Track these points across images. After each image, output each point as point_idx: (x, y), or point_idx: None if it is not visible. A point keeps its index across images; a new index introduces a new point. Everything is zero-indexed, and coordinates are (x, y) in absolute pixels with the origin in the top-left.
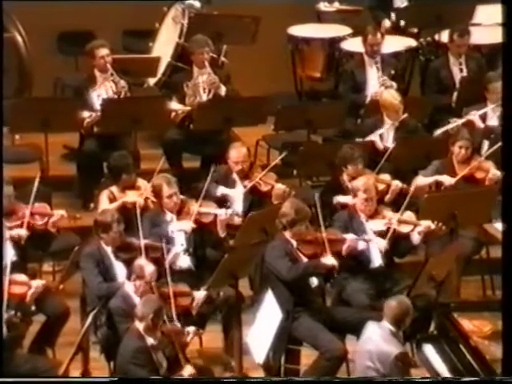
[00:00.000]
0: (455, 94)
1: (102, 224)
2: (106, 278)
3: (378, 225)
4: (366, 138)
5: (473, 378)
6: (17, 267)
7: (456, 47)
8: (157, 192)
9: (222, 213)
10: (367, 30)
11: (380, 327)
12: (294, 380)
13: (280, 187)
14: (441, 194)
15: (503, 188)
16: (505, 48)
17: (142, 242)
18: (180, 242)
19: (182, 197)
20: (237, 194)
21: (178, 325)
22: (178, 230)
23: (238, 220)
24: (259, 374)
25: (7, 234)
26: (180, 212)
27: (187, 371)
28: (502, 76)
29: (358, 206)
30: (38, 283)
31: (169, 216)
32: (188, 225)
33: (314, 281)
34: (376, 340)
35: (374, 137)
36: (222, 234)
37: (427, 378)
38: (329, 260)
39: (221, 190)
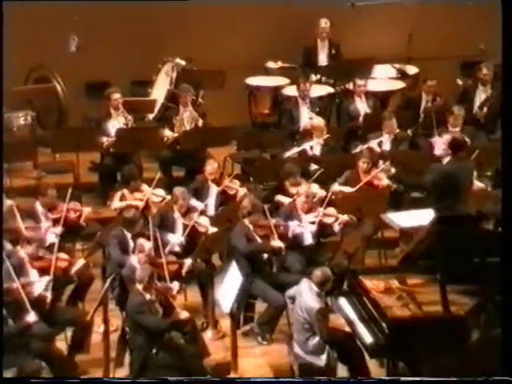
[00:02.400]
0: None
1: (129, 220)
2: (123, 253)
3: (310, 217)
4: (300, 147)
5: (471, 378)
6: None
7: (359, 92)
8: (174, 199)
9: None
10: (300, 81)
11: (309, 288)
12: (295, 380)
13: (241, 190)
14: (351, 194)
15: (504, 188)
16: (504, 48)
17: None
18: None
19: (189, 203)
20: (212, 196)
21: (168, 284)
22: (178, 241)
23: (212, 212)
24: (226, 320)
25: (50, 223)
26: (184, 215)
27: (183, 315)
28: (502, 76)
29: (298, 205)
30: (80, 261)
31: (176, 214)
32: (182, 238)
33: (265, 255)
34: (305, 296)
35: (306, 146)
36: None
37: (425, 378)
38: (277, 243)
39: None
